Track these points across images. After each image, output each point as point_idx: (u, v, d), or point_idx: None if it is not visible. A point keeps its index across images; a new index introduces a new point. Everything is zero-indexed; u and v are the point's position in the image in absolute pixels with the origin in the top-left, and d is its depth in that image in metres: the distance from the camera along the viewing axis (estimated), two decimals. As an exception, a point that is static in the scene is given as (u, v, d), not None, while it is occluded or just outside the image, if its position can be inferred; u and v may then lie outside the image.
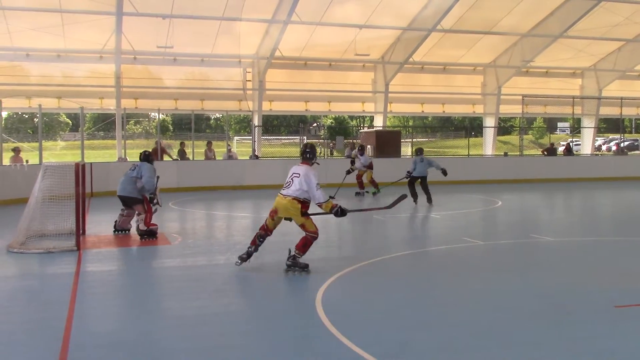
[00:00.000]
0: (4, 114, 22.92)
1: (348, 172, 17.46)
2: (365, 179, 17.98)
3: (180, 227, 11.92)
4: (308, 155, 7.82)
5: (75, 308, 6.09)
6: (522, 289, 6.98)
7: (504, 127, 44.59)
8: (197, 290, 7.03)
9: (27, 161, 17.36)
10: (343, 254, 9.60)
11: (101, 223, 9.94)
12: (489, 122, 30.02)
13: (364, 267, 8.03)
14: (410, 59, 25.82)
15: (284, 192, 7.65)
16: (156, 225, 10.01)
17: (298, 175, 7.56)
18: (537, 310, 6.05)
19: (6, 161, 17.08)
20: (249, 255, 7.86)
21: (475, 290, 6.95)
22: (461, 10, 23.19)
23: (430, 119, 39.68)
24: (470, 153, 25.32)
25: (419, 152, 16.39)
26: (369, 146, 23.85)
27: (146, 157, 10.47)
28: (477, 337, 5.22)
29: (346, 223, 13.13)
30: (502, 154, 27.26)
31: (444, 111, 30.26)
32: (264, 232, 7.95)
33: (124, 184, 10.15)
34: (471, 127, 37.21)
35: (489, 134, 29.91)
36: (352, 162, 18.23)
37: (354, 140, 27.66)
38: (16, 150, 18.09)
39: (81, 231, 9.72)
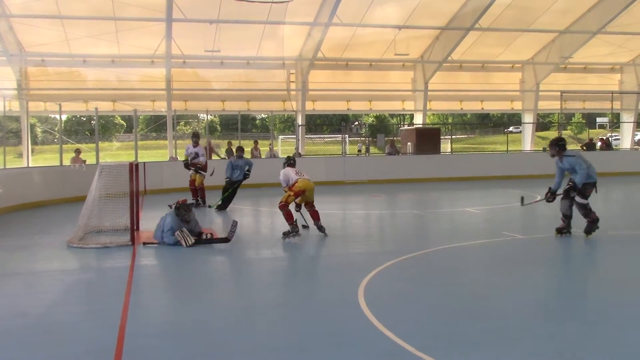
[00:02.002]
0: (64, 117, 24.06)
1: None
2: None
3: (228, 223, 11.87)
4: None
5: (130, 299, 6.36)
6: (562, 282, 7.04)
7: (543, 123, 43.85)
8: (245, 282, 7.43)
9: (85, 161, 18.30)
10: (384, 248, 9.69)
11: (154, 219, 10.33)
12: (528, 118, 29.73)
13: (405, 260, 8.14)
14: (449, 58, 25.87)
15: (307, 176, 10.20)
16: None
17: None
18: (578, 304, 6.09)
19: (67, 161, 18.00)
20: (293, 230, 9.82)
21: (515, 283, 7.02)
22: (499, 9, 23.12)
23: (469, 116, 39.44)
24: (509, 149, 25.17)
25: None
26: (409, 143, 24.13)
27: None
28: (518, 330, 5.27)
29: (387, 218, 13.56)
30: (541, 149, 27.03)
31: (482, 108, 30.22)
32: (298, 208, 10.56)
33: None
34: (510, 123, 36.83)
35: (528, 130, 29.65)
36: None
37: (394, 138, 27.91)
38: (77, 152, 19.01)
39: (135, 227, 10.12)
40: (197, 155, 14.81)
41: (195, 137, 15.30)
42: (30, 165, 21.31)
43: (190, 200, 12.25)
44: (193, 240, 9.51)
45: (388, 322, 5.37)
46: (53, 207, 14.99)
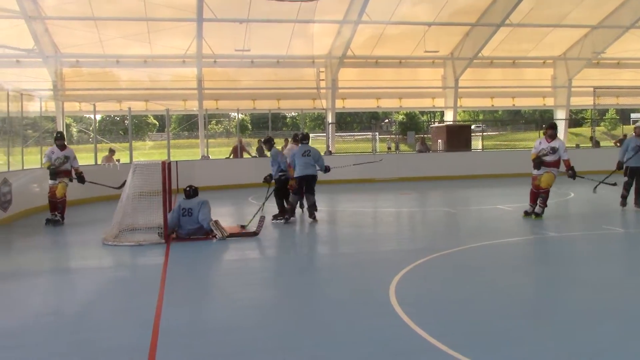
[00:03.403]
0: (98, 117, 24.50)
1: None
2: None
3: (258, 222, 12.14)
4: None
5: (163, 297, 6.43)
6: (596, 280, 6.93)
7: (576, 119, 43.08)
8: (275, 279, 7.51)
9: (118, 160, 18.60)
10: (415, 246, 9.63)
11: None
12: (560, 114, 29.23)
13: (436, 258, 8.10)
14: (479, 54, 25.65)
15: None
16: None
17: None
18: (614, 303, 5.95)
19: (101, 160, 18.33)
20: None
21: (548, 281, 6.95)
22: (529, 4, 22.84)
23: (500, 112, 38.90)
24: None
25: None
26: (439, 141, 23.98)
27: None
28: (550, 328, 5.18)
29: (418, 216, 13.54)
30: (574, 145, 26.60)
31: (514, 104, 29.87)
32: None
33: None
34: (542, 119, 36.29)
35: (560, 126, 29.15)
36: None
37: (425, 135, 27.76)
38: (110, 151, 19.32)
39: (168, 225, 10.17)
40: (66, 159, 12.44)
41: (60, 139, 12.59)
42: (65, 164, 21.71)
43: (49, 216, 12.11)
44: (227, 233, 9.86)
45: (419, 319, 5.35)
46: (88, 205, 15.27)
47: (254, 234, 10.21)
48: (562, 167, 11.45)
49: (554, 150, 11.10)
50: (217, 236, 9.81)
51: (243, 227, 10.82)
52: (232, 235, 10.05)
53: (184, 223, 9.99)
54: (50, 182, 12.23)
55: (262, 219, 10.66)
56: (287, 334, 5.26)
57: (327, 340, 5.04)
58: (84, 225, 12.29)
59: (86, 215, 13.79)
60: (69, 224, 12.51)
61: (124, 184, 11.45)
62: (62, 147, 12.40)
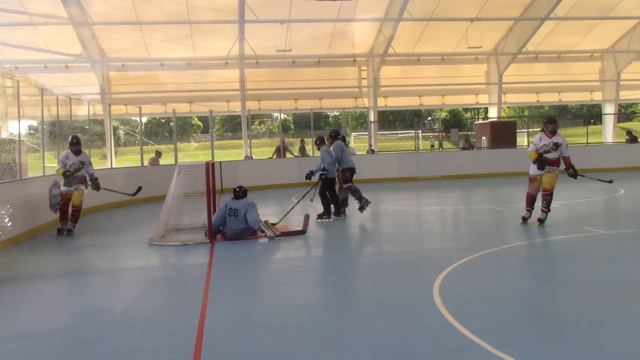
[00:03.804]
0: (144, 119, 25.00)
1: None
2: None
3: (302, 221, 11.88)
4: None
5: (209, 295, 6.49)
6: None
7: (625, 113, 41.81)
8: (320, 278, 7.53)
9: (158, 159, 18.86)
10: (460, 245, 9.53)
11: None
12: (609, 109, 28.44)
13: (481, 257, 7.99)
14: (524, 49, 25.15)
15: None
16: None
17: None
18: None
19: (147, 162, 18.67)
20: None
21: (595, 280, 6.75)
22: (576, -4, 22.34)
23: (546, 108, 38.00)
24: (590, 141, 24.19)
25: None
26: (484, 137, 23.61)
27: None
28: (594, 329, 5.07)
29: (462, 214, 13.38)
30: (624, 140, 25.84)
31: (560, 100, 29.13)
32: None
33: None
34: (590, 114, 35.34)
35: (609, 121, 28.32)
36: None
37: (469, 132, 27.40)
38: (157, 153, 19.64)
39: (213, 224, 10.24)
40: (82, 165, 11.57)
41: (76, 144, 11.59)
42: (113, 166, 22.26)
43: (58, 225, 11.25)
44: (279, 232, 10.00)
45: (463, 318, 5.28)
46: (135, 206, 15.54)
47: (302, 232, 10.30)
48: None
49: (556, 146, 10.14)
50: (268, 235, 9.90)
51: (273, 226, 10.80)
52: (282, 234, 10.12)
53: (230, 223, 10.10)
54: (64, 188, 11.43)
55: (307, 217, 10.72)
56: (329, 332, 5.25)
57: (372, 340, 5.00)
58: (131, 226, 12.55)
59: (133, 216, 14.08)
60: (117, 223, 12.79)
61: (138, 190, 11.80)
62: (78, 152, 11.54)
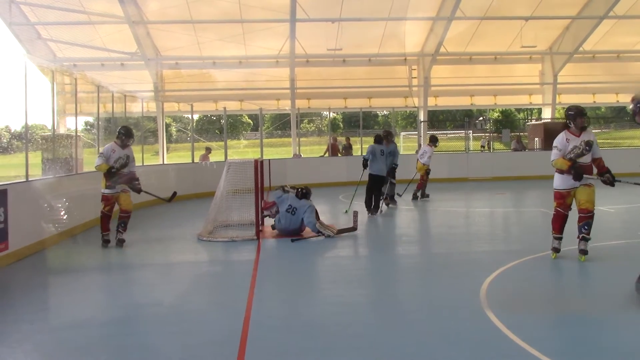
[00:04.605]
0: (195, 117, 25.42)
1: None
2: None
3: (350, 220, 11.65)
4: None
5: (254, 292, 6.56)
6: None
7: (686, 114, 40.17)
8: (366, 278, 7.48)
9: (209, 158, 19.15)
10: (510, 247, 9.37)
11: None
12: (671, 110, 27.31)
13: (531, 260, 7.83)
14: (580, 49, 24.50)
15: None
16: None
17: None
18: None
19: (198, 159, 18.99)
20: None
21: None
22: (636, -5, 21.58)
23: (603, 109, 36.90)
24: (650, 144, 23.35)
25: None
26: (536, 139, 23.05)
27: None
28: None
29: (512, 216, 13.14)
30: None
31: (617, 101, 28.22)
32: None
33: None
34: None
35: (670, 123, 27.25)
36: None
37: (521, 133, 26.85)
38: (207, 150, 19.96)
39: (260, 222, 10.41)
40: (128, 160, 9.73)
41: (127, 134, 9.75)
42: (165, 162, 22.72)
43: (104, 236, 9.65)
44: (336, 231, 10.09)
45: (511, 323, 5.18)
46: (186, 202, 15.82)
47: (353, 229, 10.33)
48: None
49: (589, 146, 7.59)
50: (326, 235, 9.97)
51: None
52: (338, 232, 10.19)
53: (284, 219, 10.21)
54: (107, 191, 9.62)
55: (356, 213, 10.69)
56: (373, 333, 5.22)
57: (414, 341, 4.98)
58: (182, 221, 12.77)
59: (183, 211, 14.32)
60: (168, 218, 13.03)
61: (173, 195, 10.66)
62: (125, 145, 9.71)
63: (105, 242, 9.66)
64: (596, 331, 5.14)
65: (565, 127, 7.81)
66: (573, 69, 26.03)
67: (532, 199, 16.64)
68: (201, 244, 9.89)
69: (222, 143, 19.71)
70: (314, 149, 28.83)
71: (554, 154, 7.75)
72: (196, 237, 10.27)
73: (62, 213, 10.37)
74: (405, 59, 25.59)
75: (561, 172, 7.72)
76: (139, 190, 9.88)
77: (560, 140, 7.73)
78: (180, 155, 31.61)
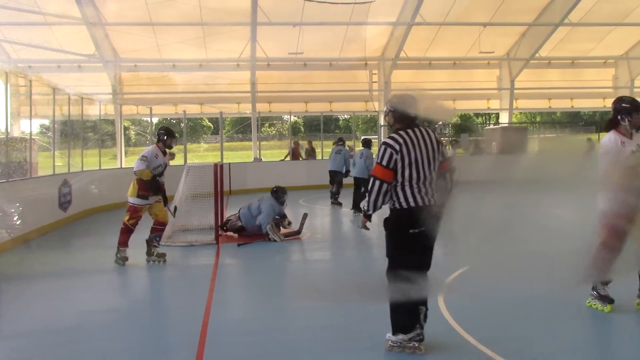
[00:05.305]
0: (155, 120, 25.06)
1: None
2: None
3: (308, 223, 11.56)
4: None
5: (213, 296, 6.57)
6: None
7: (639, 120, 41.64)
8: (323, 282, 7.42)
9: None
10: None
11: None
12: (622, 115, 28.17)
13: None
14: (537, 55, 25.05)
15: None
16: None
17: None
18: None
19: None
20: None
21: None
22: (590, 2, 22.12)
23: (558, 114, 37.80)
24: (602, 148, 24.02)
25: None
26: (494, 143, 23.47)
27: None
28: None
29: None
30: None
31: (572, 106, 28.98)
32: None
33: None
34: (602, 121, 35.15)
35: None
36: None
37: (479, 137, 27.29)
38: (170, 155, 19.66)
39: (220, 226, 10.37)
40: (165, 168, 8.70)
41: (169, 134, 8.73)
42: (123, 166, 22.36)
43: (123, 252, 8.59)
44: (283, 238, 10.05)
45: (468, 326, 5.28)
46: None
47: (297, 232, 10.39)
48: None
49: None
50: (272, 239, 9.97)
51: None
52: (286, 237, 10.23)
53: (244, 217, 10.44)
54: (137, 201, 8.45)
55: (305, 216, 10.69)
56: (332, 336, 5.23)
57: (372, 343, 4.98)
58: (140, 225, 12.54)
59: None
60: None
61: (175, 210, 9.76)
62: (169, 147, 8.76)
63: (124, 259, 8.50)
64: (549, 332, 5.24)
65: (614, 125, 5.64)
66: (529, 74, 26.57)
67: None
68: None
69: (182, 147, 19.50)
70: (275, 152, 28.77)
71: (603, 161, 5.55)
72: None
73: (15, 218, 10.12)
74: (366, 64, 25.72)
75: (616, 189, 5.32)
76: (165, 201, 8.74)
77: (611, 142, 5.54)
78: (139, 159, 31.07)
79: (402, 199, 4.59)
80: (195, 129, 50.74)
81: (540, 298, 6.31)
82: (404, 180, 4.57)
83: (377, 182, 4.57)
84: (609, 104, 22.29)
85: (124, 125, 28.32)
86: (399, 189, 4.60)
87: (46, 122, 19.33)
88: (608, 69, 27.84)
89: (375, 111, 26.30)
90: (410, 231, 4.56)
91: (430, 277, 4.68)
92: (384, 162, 4.54)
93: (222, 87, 24.92)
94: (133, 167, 8.27)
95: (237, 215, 10.66)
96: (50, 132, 15.57)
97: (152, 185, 8.22)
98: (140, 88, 24.64)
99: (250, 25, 21.85)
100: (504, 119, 27.71)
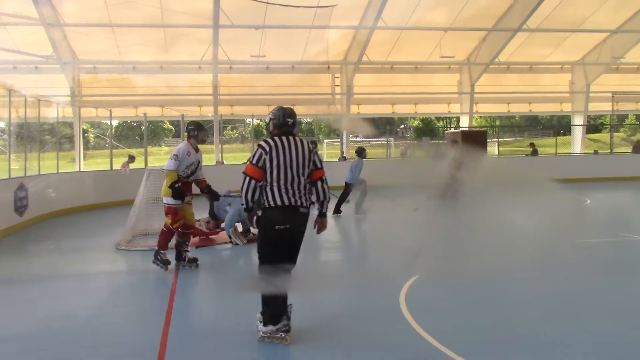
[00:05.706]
0: (115, 123, 24.69)
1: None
2: None
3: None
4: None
5: (174, 301, 6.54)
6: (611, 290, 6.78)
7: (594, 125, 42.83)
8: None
9: (128, 165, 18.60)
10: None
11: (201, 224, 10.69)
12: (578, 120, 29.00)
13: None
14: (496, 60, 25.53)
15: None
16: None
17: None
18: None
19: (117, 166, 18.43)
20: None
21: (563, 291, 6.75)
22: (548, 9, 22.61)
23: (517, 118, 38.65)
24: (559, 151, 24.67)
25: None
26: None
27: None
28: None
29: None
30: (592, 152, 26.38)
31: (530, 110, 29.67)
32: None
33: None
34: (559, 125, 36.13)
35: (578, 132, 28.91)
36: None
37: (441, 141, 27.66)
38: (130, 158, 19.36)
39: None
40: (198, 166, 8.30)
41: (200, 128, 8.19)
42: (82, 169, 21.97)
43: (164, 255, 8.23)
44: (245, 242, 10.08)
45: (429, 326, 5.34)
46: (104, 210, 15.39)
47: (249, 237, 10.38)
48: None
49: None
50: (234, 242, 9.99)
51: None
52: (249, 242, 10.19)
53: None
54: (172, 201, 7.97)
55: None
56: (296, 338, 5.20)
57: (339, 345, 5.00)
58: (99, 230, 12.38)
59: (101, 220, 13.91)
60: (84, 227, 12.61)
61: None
62: (202, 142, 8.28)
63: (167, 262, 8.15)
64: (509, 330, 5.35)
65: None
66: (489, 79, 27.04)
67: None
68: (119, 253, 9.66)
69: (143, 150, 19.24)
70: (237, 155, 28.62)
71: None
72: (114, 246, 10.00)
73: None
74: (329, 67, 25.83)
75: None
76: (217, 195, 8.65)
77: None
78: (98, 163, 30.62)
79: (270, 198, 5.09)
80: (156, 132, 50.16)
81: (496, 297, 6.49)
82: (272, 181, 5.09)
83: (247, 178, 5.11)
84: (566, 108, 22.98)
85: (83, 128, 27.83)
86: (268, 189, 5.11)
87: (1, 124, 18.82)
88: (565, 74, 28.54)
89: (338, 115, 26.38)
90: (276, 227, 5.04)
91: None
92: (254, 161, 5.11)
93: (184, 90, 24.70)
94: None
95: (207, 219, 10.75)
96: (5, 134, 15.17)
97: (176, 190, 7.81)
98: (99, 90, 24.21)
99: (213, 27, 21.70)
100: (465, 122, 28.14)
